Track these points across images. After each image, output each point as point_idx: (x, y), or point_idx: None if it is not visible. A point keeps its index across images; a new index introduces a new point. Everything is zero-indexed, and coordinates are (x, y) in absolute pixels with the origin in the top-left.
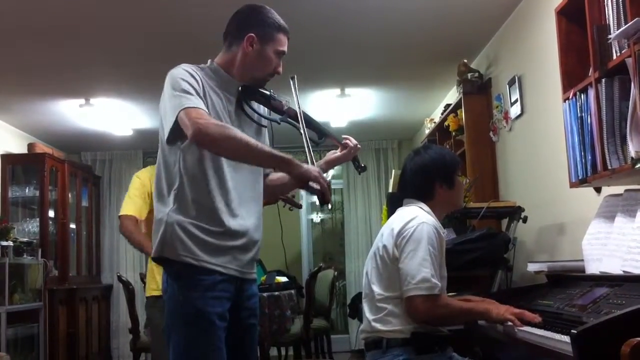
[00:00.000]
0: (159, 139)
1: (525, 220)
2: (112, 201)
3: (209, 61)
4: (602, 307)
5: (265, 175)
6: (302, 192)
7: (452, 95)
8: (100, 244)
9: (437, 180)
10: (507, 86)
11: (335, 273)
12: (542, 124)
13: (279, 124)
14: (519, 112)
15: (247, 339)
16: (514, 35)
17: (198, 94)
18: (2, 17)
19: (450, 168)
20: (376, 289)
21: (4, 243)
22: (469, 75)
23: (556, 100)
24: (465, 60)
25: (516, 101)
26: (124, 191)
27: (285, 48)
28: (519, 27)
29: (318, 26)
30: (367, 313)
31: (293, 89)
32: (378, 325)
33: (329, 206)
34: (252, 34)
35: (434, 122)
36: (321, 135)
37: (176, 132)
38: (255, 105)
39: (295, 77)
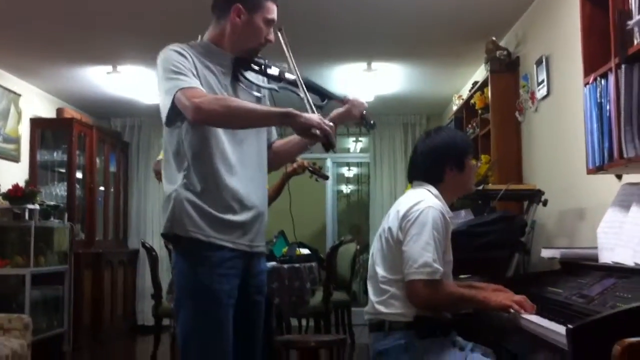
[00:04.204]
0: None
1: (545, 203)
2: (140, 167)
3: (199, 37)
4: (609, 299)
5: (270, 145)
6: (329, 164)
7: (481, 73)
8: (128, 209)
9: (448, 164)
10: (535, 66)
11: (358, 247)
12: (567, 107)
13: (278, 91)
14: (545, 93)
15: (253, 315)
16: (543, 14)
17: (192, 72)
18: None
19: (461, 151)
20: (380, 270)
21: (31, 206)
22: (497, 53)
23: (581, 84)
24: (494, 38)
25: (543, 82)
26: (152, 157)
27: (274, 15)
28: (548, 6)
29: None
30: (371, 295)
31: (282, 43)
32: (381, 308)
33: (334, 150)
34: (239, 5)
35: (462, 99)
36: (323, 97)
37: (174, 113)
38: (251, 76)
39: (283, 28)
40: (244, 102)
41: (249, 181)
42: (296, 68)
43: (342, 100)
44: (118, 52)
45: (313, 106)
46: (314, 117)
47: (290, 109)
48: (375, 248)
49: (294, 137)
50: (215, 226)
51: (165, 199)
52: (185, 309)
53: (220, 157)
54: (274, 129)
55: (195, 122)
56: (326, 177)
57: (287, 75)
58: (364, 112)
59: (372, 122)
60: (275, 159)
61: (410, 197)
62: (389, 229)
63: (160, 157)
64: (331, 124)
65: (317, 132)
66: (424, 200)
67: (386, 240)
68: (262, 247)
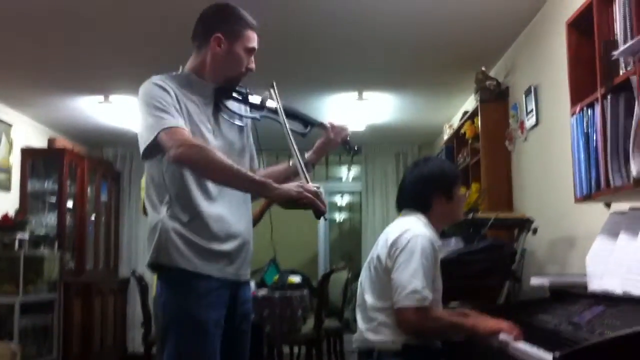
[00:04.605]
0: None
1: (535, 232)
2: (131, 196)
3: (180, 68)
4: (597, 327)
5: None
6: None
7: (471, 103)
8: (119, 238)
9: (436, 193)
10: (524, 96)
11: (350, 275)
12: (555, 136)
13: (259, 120)
14: (534, 122)
15: (239, 344)
16: (531, 45)
17: (175, 108)
18: (22, 14)
19: (449, 181)
20: (369, 298)
21: (20, 236)
22: (487, 83)
23: (569, 113)
24: (484, 68)
25: (532, 111)
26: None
27: (254, 44)
28: (536, 36)
29: (334, 28)
30: (360, 323)
31: (275, 98)
32: (370, 336)
33: (326, 218)
34: (219, 34)
35: (453, 129)
36: (307, 124)
37: (152, 149)
38: (233, 105)
39: (275, 84)
40: (227, 161)
41: (233, 210)
42: (287, 127)
43: (324, 127)
44: (109, 82)
45: (293, 143)
46: (293, 188)
47: (269, 182)
48: (364, 276)
49: (278, 167)
50: (201, 256)
51: (151, 229)
52: (171, 339)
53: (201, 188)
54: (254, 155)
55: (175, 164)
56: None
57: (269, 104)
58: (347, 137)
59: (355, 147)
60: None
61: (399, 226)
62: (378, 257)
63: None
64: (315, 188)
65: (303, 201)
66: (412, 229)
67: (375, 269)
68: (248, 275)
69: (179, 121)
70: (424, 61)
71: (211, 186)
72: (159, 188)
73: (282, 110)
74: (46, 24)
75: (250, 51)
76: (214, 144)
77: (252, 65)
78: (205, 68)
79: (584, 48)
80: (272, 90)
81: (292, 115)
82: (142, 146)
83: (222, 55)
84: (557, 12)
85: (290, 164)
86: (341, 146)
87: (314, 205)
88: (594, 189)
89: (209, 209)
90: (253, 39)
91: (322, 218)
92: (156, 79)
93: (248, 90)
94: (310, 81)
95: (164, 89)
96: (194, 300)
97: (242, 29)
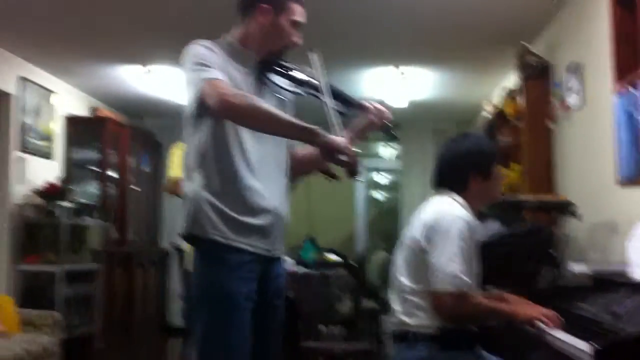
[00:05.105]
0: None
1: (578, 216)
2: None
3: (223, 36)
4: (638, 317)
5: (291, 152)
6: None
7: (509, 79)
8: (160, 209)
9: (472, 171)
10: (567, 73)
11: (388, 255)
12: (599, 116)
13: (303, 95)
14: (577, 100)
15: (270, 320)
16: (575, 20)
17: (218, 66)
18: None
19: (487, 158)
20: (404, 280)
21: (64, 204)
22: (529, 59)
23: (612, 92)
24: (526, 44)
25: (575, 89)
26: None
27: (300, 18)
28: (580, 11)
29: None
30: (395, 305)
31: (317, 66)
32: (405, 318)
33: (359, 179)
34: (265, 5)
35: (492, 106)
36: (348, 105)
37: (201, 105)
38: (275, 78)
39: (315, 50)
40: (269, 106)
41: (269, 184)
42: (329, 92)
43: (365, 109)
44: (151, 51)
45: (337, 117)
46: (339, 140)
47: (316, 127)
48: (398, 258)
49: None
50: (234, 228)
51: (185, 199)
52: (203, 311)
53: (241, 156)
54: None
55: (218, 113)
56: (336, 177)
57: (313, 81)
58: (388, 122)
59: (394, 133)
60: (292, 169)
61: (435, 206)
62: (413, 237)
63: (173, 174)
64: (355, 150)
65: (341, 157)
66: (449, 210)
67: (410, 250)
68: (281, 251)
69: (221, 75)
70: (463, 36)
71: (253, 157)
72: (198, 155)
73: (327, 88)
74: None
75: (295, 25)
76: None
77: (296, 39)
78: (248, 39)
79: (628, 23)
80: (314, 57)
81: (334, 94)
82: (190, 104)
83: (267, 27)
84: None
85: None
86: (379, 130)
87: (352, 162)
88: (637, 172)
89: (245, 180)
90: (299, 12)
91: (355, 179)
92: (202, 41)
93: (292, 65)
94: (349, 54)
95: (210, 49)
96: (225, 272)
97: (288, 1)
